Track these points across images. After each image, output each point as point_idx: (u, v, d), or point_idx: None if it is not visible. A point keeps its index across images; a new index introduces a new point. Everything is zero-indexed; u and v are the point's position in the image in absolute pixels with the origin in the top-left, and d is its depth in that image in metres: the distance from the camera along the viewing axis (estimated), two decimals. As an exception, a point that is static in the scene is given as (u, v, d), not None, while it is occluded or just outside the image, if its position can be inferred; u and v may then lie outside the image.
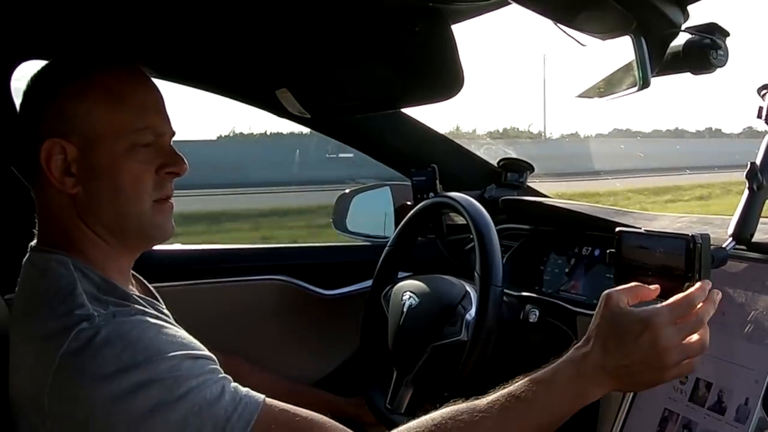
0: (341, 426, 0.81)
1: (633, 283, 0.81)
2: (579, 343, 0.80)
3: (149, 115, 0.86)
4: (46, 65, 0.89)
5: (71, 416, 0.72)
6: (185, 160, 0.89)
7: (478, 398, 0.79)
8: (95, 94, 0.84)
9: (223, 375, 0.78)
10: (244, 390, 0.78)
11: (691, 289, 0.78)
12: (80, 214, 0.85)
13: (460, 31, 1.05)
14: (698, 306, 0.77)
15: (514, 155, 1.77)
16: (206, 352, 0.80)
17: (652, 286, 0.82)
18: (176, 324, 0.90)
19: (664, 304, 0.77)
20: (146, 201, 0.86)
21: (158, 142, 0.87)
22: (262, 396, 0.78)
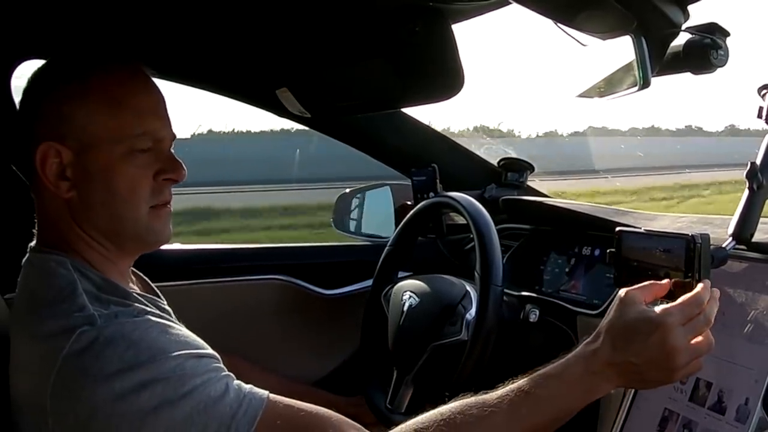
0: (346, 419, 0.81)
1: (647, 282, 0.81)
2: (588, 339, 0.80)
3: (148, 120, 0.85)
4: (45, 65, 0.88)
5: (74, 416, 0.72)
6: (184, 166, 0.88)
7: (487, 392, 0.79)
8: (93, 98, 0.83)
9: (227, 373, 0.78)
10: (248, 387, 0.78)
11: (697, 289, 0.78)
12: (75, 218, 0.84)
13: (460, 30, 1.05)
14: (704, 305, 0.77)
15: (514, 155, 1.77)
16: (209, 351, 0.80)
17: (663, 281, 0.81)
18: (178, 321, 0.90)
19: (674, 304, 0.77)
20: (142, 207, 0.85)
21: (157, 147, 0.86)
22: (266, 392, 0.78)
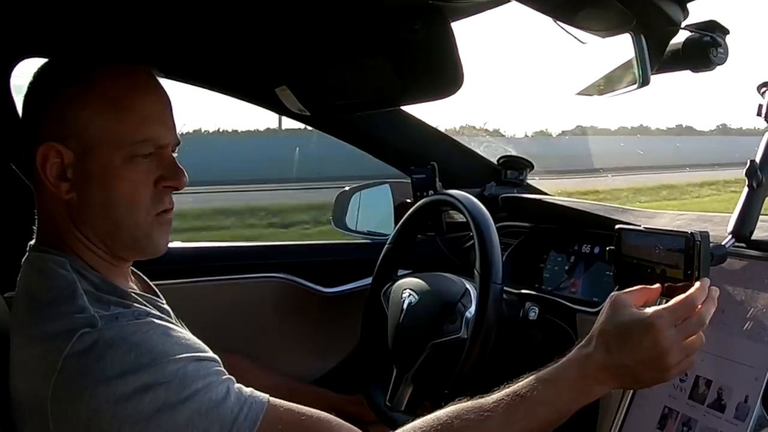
0: (346, 424, 0.82)
1: (638, 287, 0.82)
2: (582, 343, 0.81)
3: (152, 126, 0.83)
4: (50, 63, 0.87)
5: (75, 417, 0.72)
6: (185, 173, 0.86)
7: (483, 397, 0.80)
8: (97, 101, 0.81)
9: (228, 376, 0.78)
10: (249, 390, 0.78)
11: (692, 290, 0.78)
12: (73, 219, 0.83)
13: (460, 28, 1.05)
14: (699, 307, 0.77)
15: (513, 153, 1.77)
16: (210, 354, 0.80)
17: (654, 286, 0.82)
18: (177, 321, 0.90)
19: (664, 306, 0.77)
20: (142, 213, 0.84)
21: (159, 153, 0.84)
22: (266, 396, 0.78)
